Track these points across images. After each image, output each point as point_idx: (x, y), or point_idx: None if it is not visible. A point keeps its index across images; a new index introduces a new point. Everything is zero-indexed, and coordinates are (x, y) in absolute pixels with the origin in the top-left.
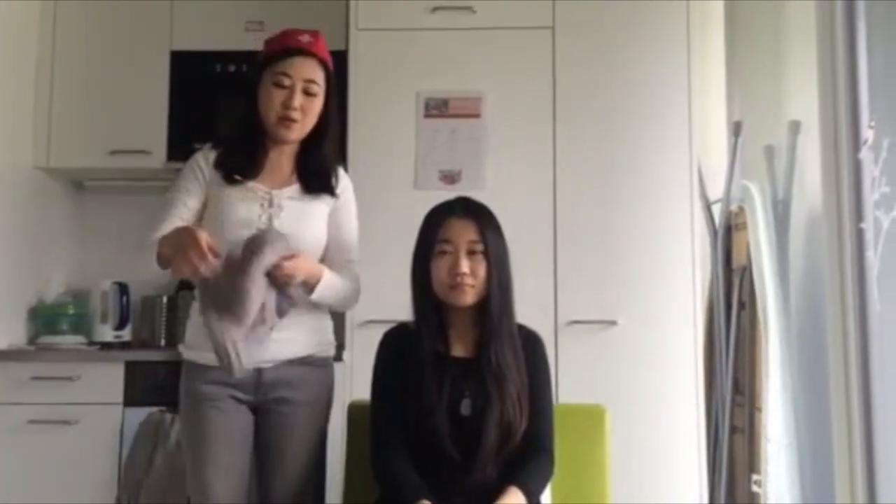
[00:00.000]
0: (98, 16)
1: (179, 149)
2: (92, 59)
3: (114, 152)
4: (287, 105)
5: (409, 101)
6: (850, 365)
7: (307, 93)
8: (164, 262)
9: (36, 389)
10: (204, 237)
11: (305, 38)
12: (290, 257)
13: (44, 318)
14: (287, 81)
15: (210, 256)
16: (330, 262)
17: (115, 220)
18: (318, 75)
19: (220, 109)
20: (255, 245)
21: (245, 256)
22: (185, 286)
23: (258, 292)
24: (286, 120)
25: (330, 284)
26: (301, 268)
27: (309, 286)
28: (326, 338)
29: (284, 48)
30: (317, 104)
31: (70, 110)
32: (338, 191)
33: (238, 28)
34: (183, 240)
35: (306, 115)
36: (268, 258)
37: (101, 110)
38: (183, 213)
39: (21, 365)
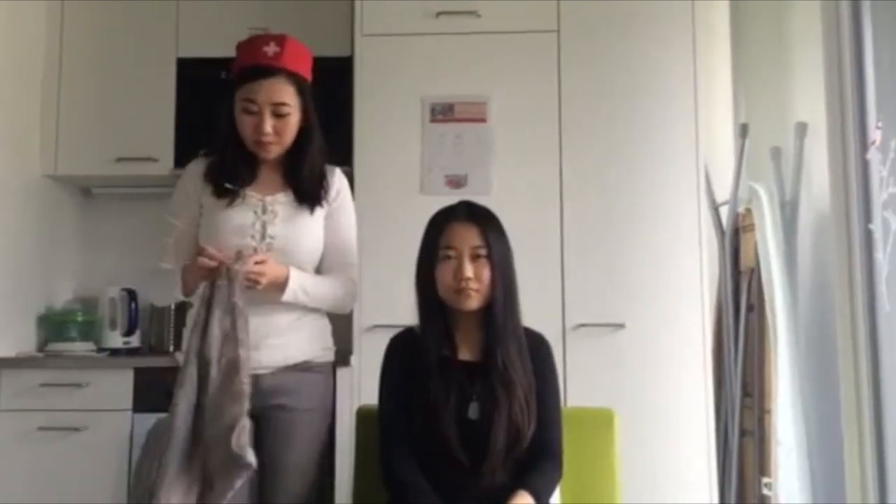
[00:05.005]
0: (104, 24)
1: (186, 155)
2: (98, 67)
3: (121, 159)
4: (258, 131)
5: (414, 105)
6: (860, 367)
7: (277, 114)
8: (188, 289)
9: (45, 396)
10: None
11: (271, 50)
12: (261, 262)
13: (52, 325)
14: (254, 108)
15: (206, 260)
16: (326, 265)
17: (123, 226)
18: (287, 94)
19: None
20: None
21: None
22: None
23: None
24: (261, 143)
25: (298, 285)
26: (264, 271)
27: (277, 286)
28: (325, 343)
29: (249, 68)
30: (290, 122)
31: (77, 118)
32: (332, 193)
33: (243, 34)
34: (190, 268)
35: (281, 135)
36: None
37: (107, 118)
38: (179, 236)
39: (30, 372)
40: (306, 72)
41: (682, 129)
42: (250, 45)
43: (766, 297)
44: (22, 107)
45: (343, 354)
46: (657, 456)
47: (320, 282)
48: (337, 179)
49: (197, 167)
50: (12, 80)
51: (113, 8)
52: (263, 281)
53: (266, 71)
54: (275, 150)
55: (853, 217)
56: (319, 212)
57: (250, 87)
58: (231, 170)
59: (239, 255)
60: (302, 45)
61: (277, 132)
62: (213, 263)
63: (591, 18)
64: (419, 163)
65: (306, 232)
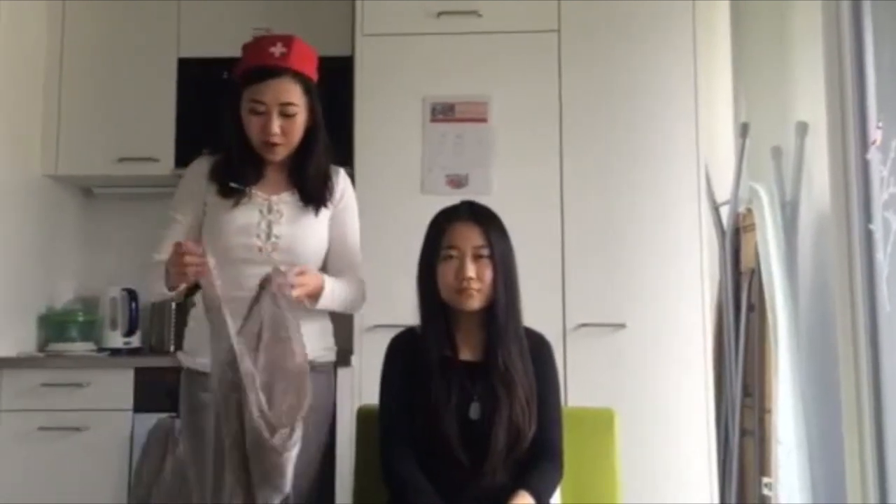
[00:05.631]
0: (105, 24)
1: (187, 156)
2: (100, 67)
3: (122, 159)
4: (266, 131)
5: (415, 105)
6: (861, 366)
7: (285, 114)
8: (170, 284)
9: (46, 396)
10: (180, 247)
11: (278, 50)
12: (300, 272)
13: (53, 325)
14: (261, 108)
15: (192, 259)
16: (334, 267)
17: (124, 226)
18: (294, 93)
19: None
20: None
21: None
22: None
23: None
24: (268, 144)
25: (331, 290)
26: (307, 283)
27: (312, 297)
28: (327, 342)
29: (256, 68)
30: (298, 122)
31: (78, 118)
32: (336, 195)
33: (244, 34)
34: (170, 259)
35: (288, 135)
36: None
37: (109, 118)
38: (178, 231)
39: (31, 372)
40: (312, 72)
41: (683, 128)
42: (257, 46)
43: (767, 297)
44: (23, 107)
45: (344, 354)
46: (657, 456)
47: (342, 285)
48: (341, 180)
49: (200, 166)
50: (13, 80)
51: (114, 8)
52: (299, 292)
53: (273, 71)
54: (281, 152)
55: (853, 217)
56: (324, 212)
57: (257, 87)
58: (237, 170)
59: (276, 272)
60: (308, 46)
61: (285, 132)
62: (197, 259)
63: (591, 18)
64: (420, 162)
65: (311, 232)
